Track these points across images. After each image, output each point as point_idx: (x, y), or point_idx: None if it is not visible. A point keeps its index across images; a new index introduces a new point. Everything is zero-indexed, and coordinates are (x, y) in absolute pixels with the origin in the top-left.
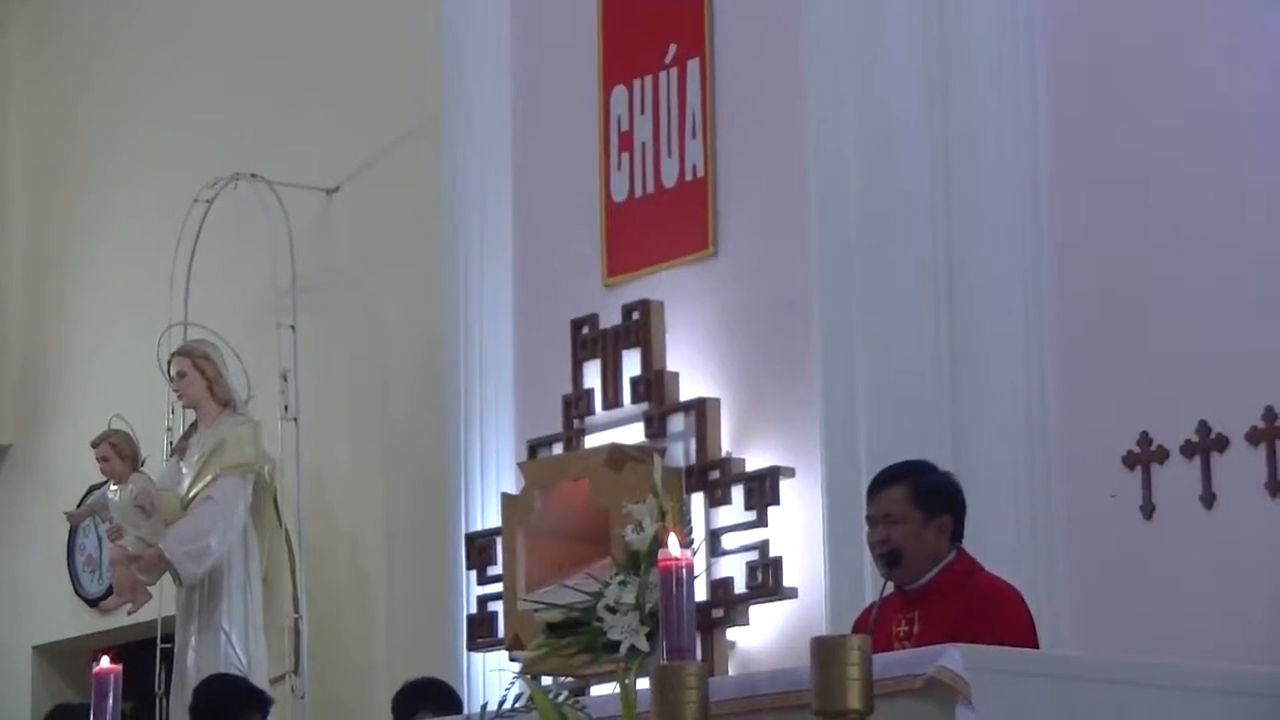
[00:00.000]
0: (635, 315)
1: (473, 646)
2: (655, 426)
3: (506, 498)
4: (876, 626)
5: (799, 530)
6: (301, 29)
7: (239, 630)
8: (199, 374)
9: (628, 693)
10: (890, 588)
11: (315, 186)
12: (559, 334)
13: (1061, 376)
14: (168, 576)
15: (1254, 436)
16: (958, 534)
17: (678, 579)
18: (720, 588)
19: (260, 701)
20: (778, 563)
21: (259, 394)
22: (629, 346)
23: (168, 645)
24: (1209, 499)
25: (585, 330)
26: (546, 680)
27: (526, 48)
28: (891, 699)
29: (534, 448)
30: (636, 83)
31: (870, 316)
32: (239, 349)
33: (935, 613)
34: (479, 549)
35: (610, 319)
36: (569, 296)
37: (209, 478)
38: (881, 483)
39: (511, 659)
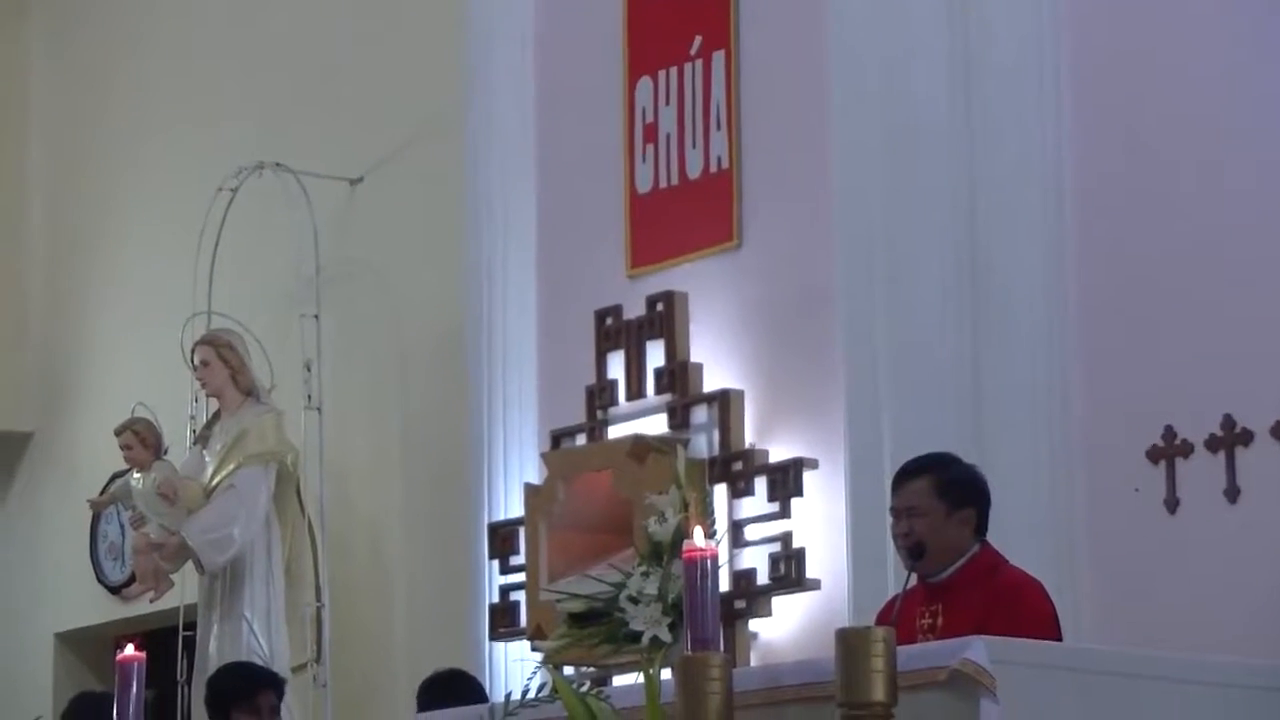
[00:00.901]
0: (659, 306)
1: (495, 636)
2: (678, 418)
3: (529, 488)
4: (899, 619)
5: (822, 522)
6: (326, 19)
7: (261, 619)
8: (222, 363)
9: (652, 683)
10: (914, 580)
11: (339, 176)
12: (583, 325)
13: (1085, 370)
14: (190, 564)
15: (1278, 431)
16: (982, 527)
17: (702, 570)
18: (743, 579)
19: (271, 681)
20: (800, 554)
21: (282, 383)
22: (653, 337)
23: (190, 633)
24: (1233, 493)
25: (609, 321)
26: (569, 670)
27: (551, 38)
28: (915, 691)
29: (557, 438)
30: (661, 74)
31: (894, 308)
32: (262, 338)
33: (959, 605)
34: (501, 539)
35: (634, 310)
36: (593, 287)
37: (232, 466)
38: (906, 475)
39: (534, 649)
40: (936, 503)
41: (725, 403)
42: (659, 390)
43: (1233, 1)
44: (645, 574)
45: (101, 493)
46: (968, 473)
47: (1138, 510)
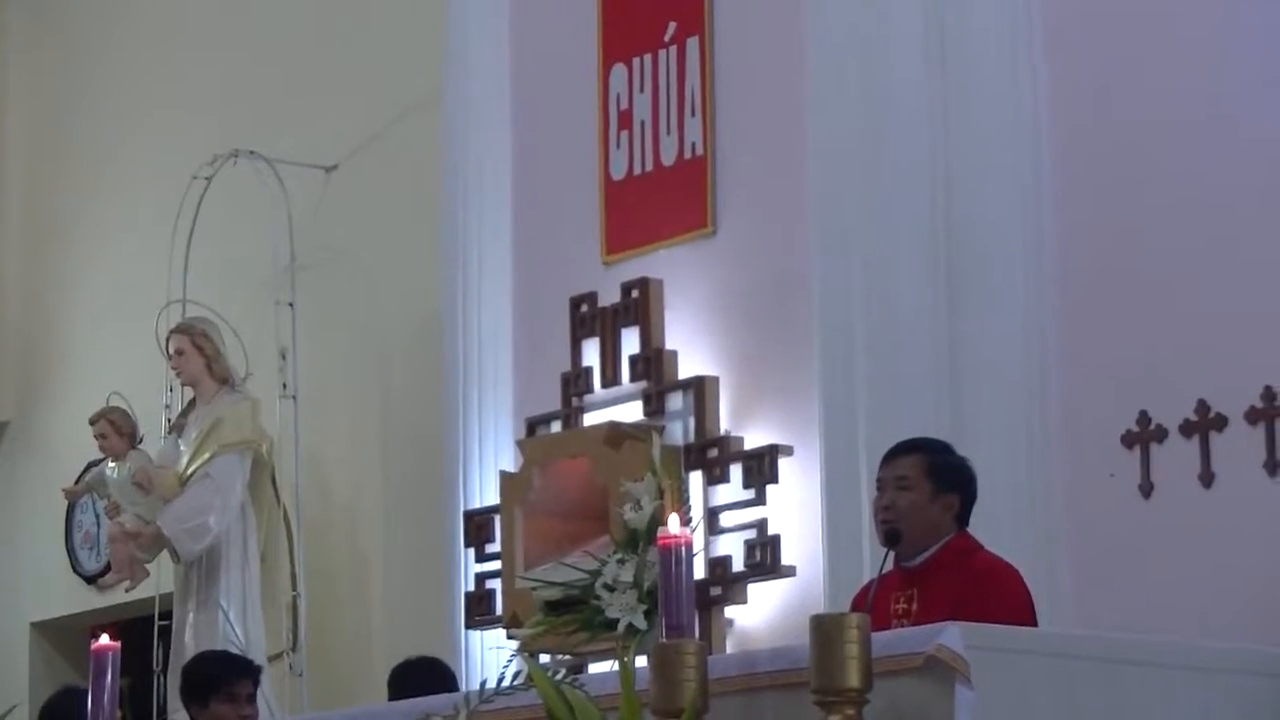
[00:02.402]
0: (634, 293)
1: (471, 624)
2: (654, 404)
3: (505, 475)
4: (875, 604)
5: (797, 508)
6: (301, 6)
7: (237, 607)
8: (197, 351)
9: (627, 670)
10: (890, 563)
11: (314, 164)
12: (558, 312)
13: (1061, 355)
14: (165, 554)
15: (1253, 416)
16: (963, 517)
17: (677, 557)
18: (718, 566)
19: (248, 669)
20: (776, 541)
21: (257, 371)
22: (628, 324)
23: (166, 622)
24: (1208, 478)
25: (584, 308)
26: (544, 658)
27: (527, 25)
28: (890, 677)
29: (532, 425)
30: (636, 61)
31: (870, 295)
32: (237, 326)
33: (934, 590)
34: (477, 526)
35: (609, 297)
36: (568, 274)
37: (207, 455)
38: (900, 450)
39: (509, 637)
40: (924, 480)
41: (700, 389)
42: (634, 377)
43: None
44: (621, 561)
45: (77, 482)
46: (959, 461)
47: (1113, 495)
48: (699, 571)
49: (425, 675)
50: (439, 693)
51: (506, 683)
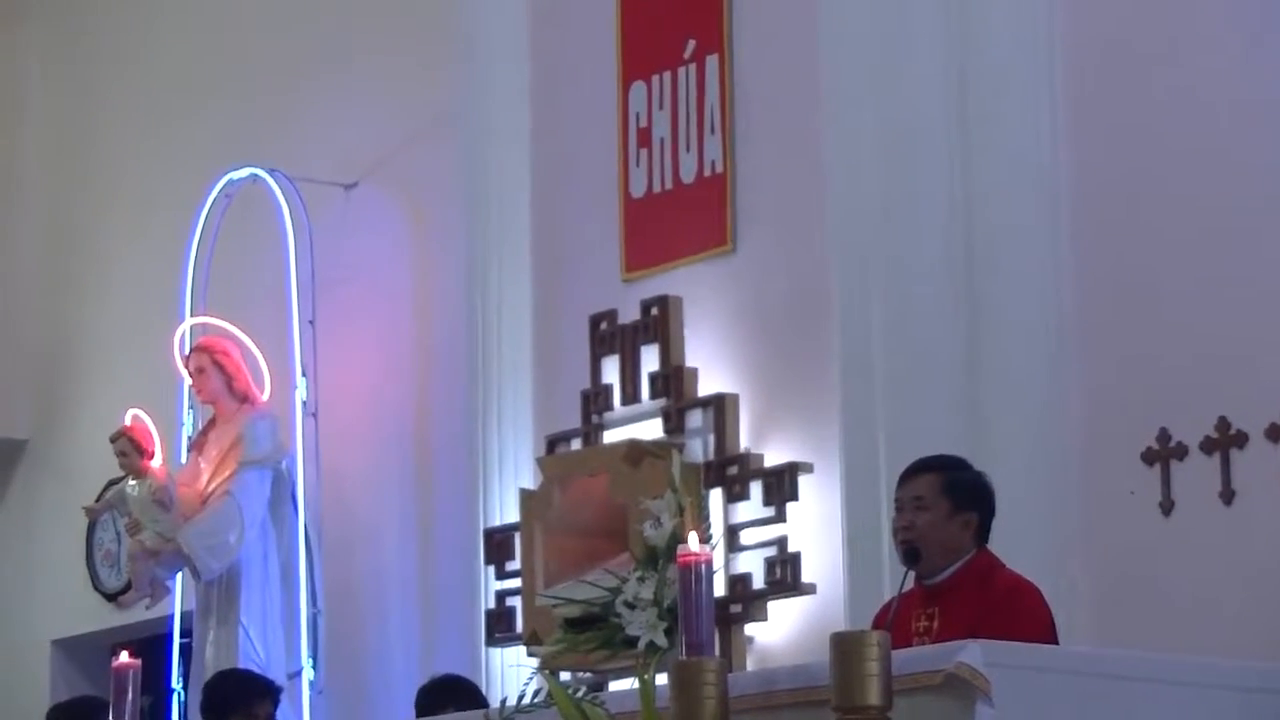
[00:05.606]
0: (654, 311)
1: (491, 642)
2: (673, 422)
3: (525, 493)
4: (895, 622)
5: (817, 526)
6: (321, 24)
7: (257, 625)
8: (217, 369)
9: (647, 688)
10: (910, 581)
11: (334, 182)
12: (578, 329)
13: (1081, 373)
14: (186, 571)
15: (1274, 433)
16: (982, 535)
17: (696, 575)
18: (739, 583)
19: (268, 689)
20: (796, 558)
21: (278, 389)
22: (647, 342)
23: (186, 640)
24: (1228, 495)
25: (604, 326)
26: (565, 675)
27: (546, 43)
28: (911, 695)
29: (552, 443)
30: (655, 78)
31: (889, 312)
32: (258, 344)
33: (955, 608)
34: (497, 544)
35: (629, 314)
36: (588, 292)
37: (228, 473)
38: (916, 470)
39: (530, 654)
40: (941, 499)
41: (720, 407)
42: (654, 395)
43: (1232, 4)
44: (641, 579)
45: (97, 500)
46: (977, 478)
47: (1133, 513)
48: (719, 589)
49: (454, 694)
50: (466, 711)
51: (527, 700)
